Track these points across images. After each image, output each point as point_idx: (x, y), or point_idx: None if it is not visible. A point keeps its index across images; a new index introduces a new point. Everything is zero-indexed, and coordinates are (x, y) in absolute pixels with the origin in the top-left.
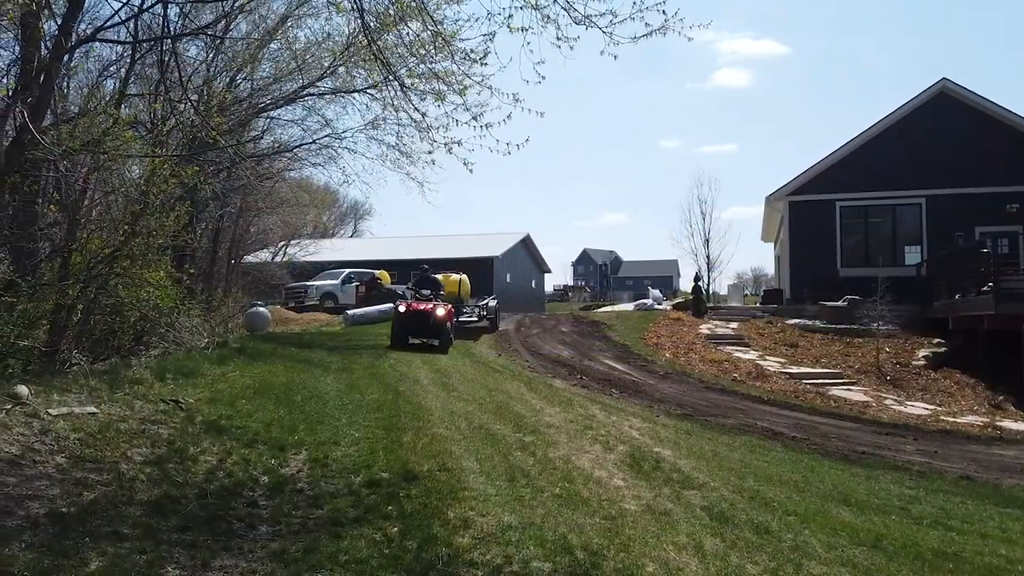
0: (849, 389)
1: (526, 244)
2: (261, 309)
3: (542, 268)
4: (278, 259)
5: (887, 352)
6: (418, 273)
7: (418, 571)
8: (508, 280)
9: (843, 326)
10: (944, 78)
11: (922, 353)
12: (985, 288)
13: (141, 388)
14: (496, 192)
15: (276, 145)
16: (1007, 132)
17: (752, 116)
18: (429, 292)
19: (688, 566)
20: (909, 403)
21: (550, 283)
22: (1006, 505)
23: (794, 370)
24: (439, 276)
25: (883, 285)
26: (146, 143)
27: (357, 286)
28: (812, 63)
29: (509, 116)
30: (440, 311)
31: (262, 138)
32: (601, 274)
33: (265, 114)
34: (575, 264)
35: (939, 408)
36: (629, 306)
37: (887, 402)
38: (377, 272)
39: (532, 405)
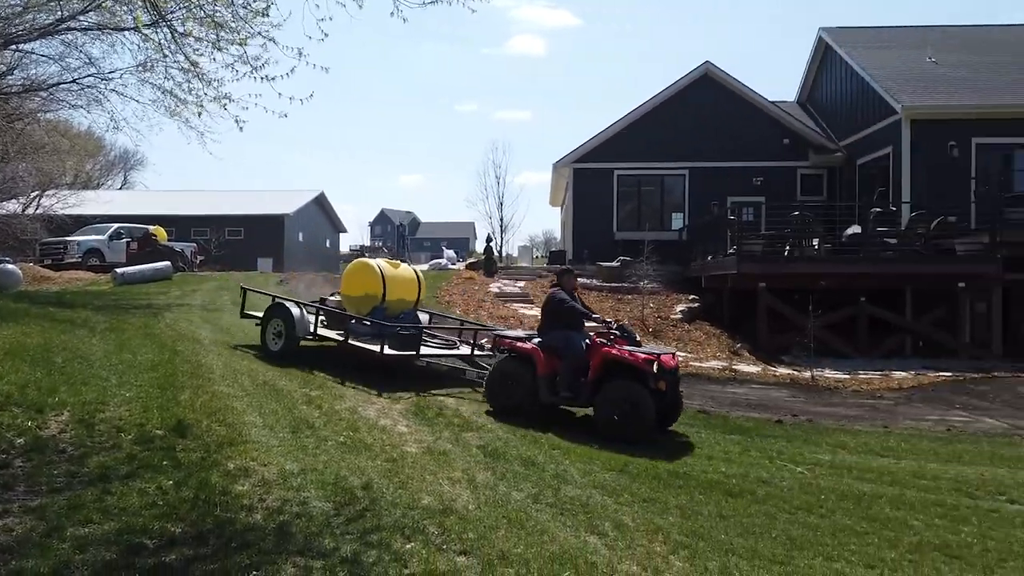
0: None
1: (320, 202)
2: (9, 266)
3: (338, 228)
4: (30, 211)
5: (651, 307)
6: None
7: (193, 518)
8: (300, 239)
9: (616, 284)
10: (707, 61)
11: (680, 308)
12: (731, 251)
13: None
14: (292, 151)
15: (28, 83)
16: (757, 114)
17: (546, 84)
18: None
19: (460, 497)
20: (484, 323)
21: (346, 243)
22: (731, 432)
23: None
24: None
25: (649, 247)
26: None
27: (128, 243)
28: (603, 36)
29: (293, 70)
30: None
31: (11, 74)
32: (399, 235)
33: (14, 47)
34: (373, 224)
35: (690, 355)
36: (425, 266)
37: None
38: (152, 228)
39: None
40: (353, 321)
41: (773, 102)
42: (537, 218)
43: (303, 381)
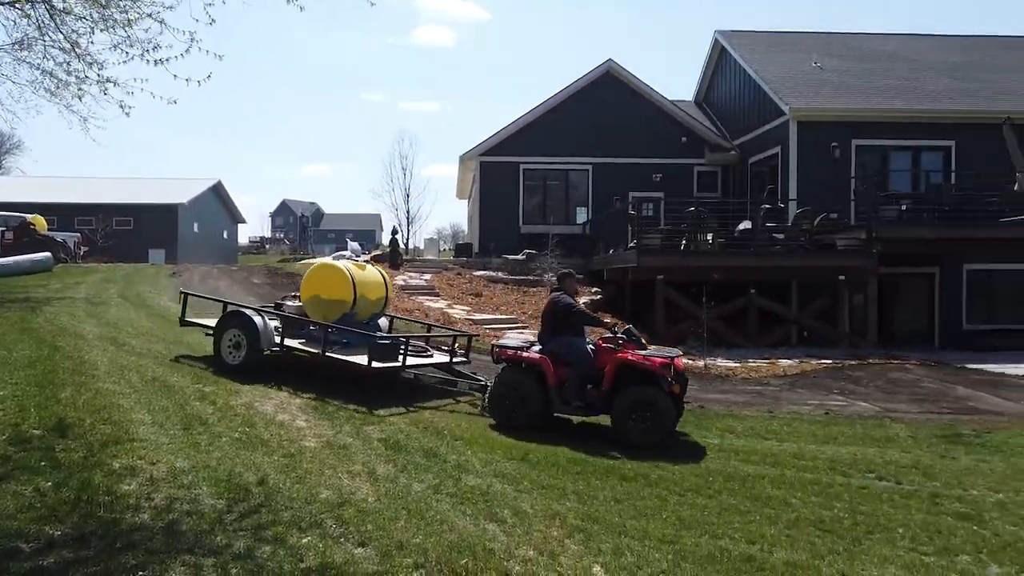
0: (521, 332)
1: (217, 192)
2: None
3: (236, 218)
4: None
5: None
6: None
7: (75, 520)
8: (196, 230)
9: (521, 277)
10: (610, 59)
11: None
12: (631, 245)
13: None
14: (188, 139)
15: None
16: (657, 112)
17: (456, 76)
18: None
19: (360, 489)
20: (460, 329)
21: (245, 234)
22: None
23: (477, 317)
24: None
25: (554, 241)
26: None
27: (3, 232)
28: (512, 30)
29: (187, 51)
30: None
31: None
32: (301, 226)
33: None
34: (274, 215)
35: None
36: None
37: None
38: (30, 216)
39: None
40: (312, 328)
41: (672, 101)
42: (445, 211)
43: (196, 377)
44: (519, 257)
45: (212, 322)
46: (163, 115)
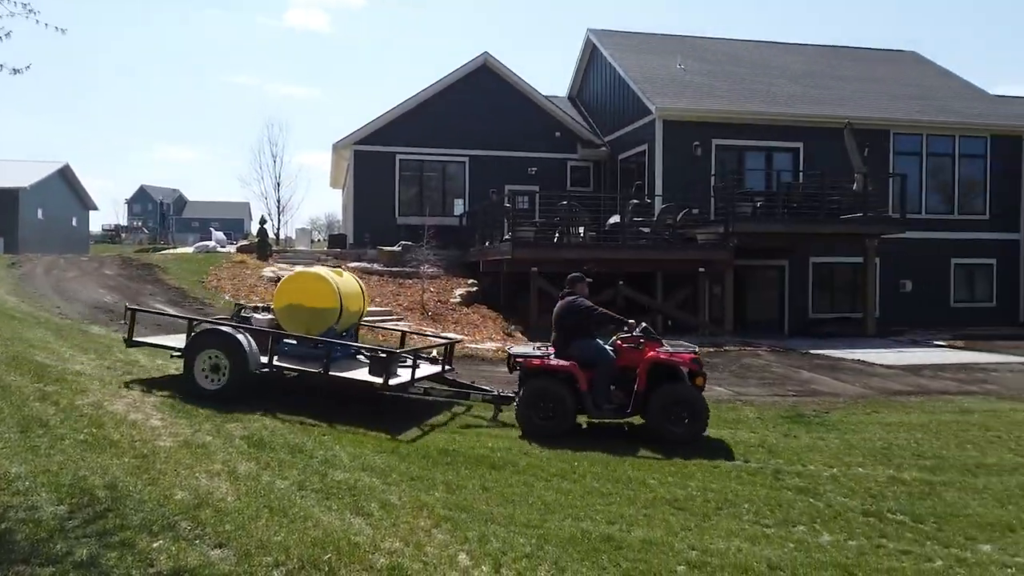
0: (396, 324)
1: (65, 176)
2: None
3: (87, 205)
4: None
5: (431, 291)
6: None
7: None
8: (40, 217)
9: (397, 269)
10: (486, 52)
11: (458, 292)
12: (506, 237)
13: None
14: (32, 120)
15: None
16: (532, 107)
17: (330, 62)
18: None
19: (219, 489)
20: (444, 334)
21: (97, 222)
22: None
23: None
24: None
25: (430, 232)
26: None
27: None
28: (387, 19)
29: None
30: None
31: None
32: (161, 213)
33: None
34: (130, 202)
35: (467, 337)
36: (190, 248)
37: (426, 333)
38: None
39: (60, 354)
40: (314, 345)
41: (547, 96)
42: (320, 200)
43: (37, 375)
44: (395, 248)
45: (172, 341)
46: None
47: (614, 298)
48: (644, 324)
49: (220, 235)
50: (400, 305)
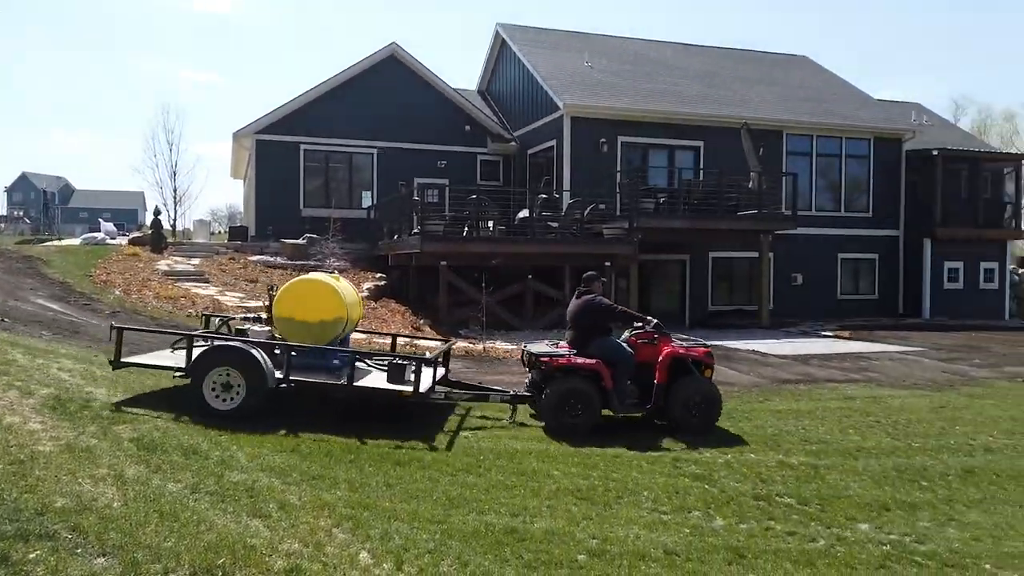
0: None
1: None
2: None
3: None
4: None
5: None
6: None
7: None
8: None
9: (302, 262)
10: (394, 43)
11: (366, 286)
12: (415, 231)
13: None
14: None
15: None
16: (442, 100)
17: (232, 48)
18: None
19: (104, 495)
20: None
21: None
22: (403, 404)
23: (252, 304)
24: None
25: (337, 225)
26: None
27: None
28: (296, 4)
29: None
30: None
31: None
32: (44, 202)
33: None
34: (10, 190)
35: (374, 332)
36: (77, 240)
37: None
38: None
39: None
40: (335, 358)
41: (456, 89)
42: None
43: None
44: (299, 241)
45: (165, 360)
46: None
47: (522, 292)
48: (656, 320)
49: (110, 226)
50: (654, 318)
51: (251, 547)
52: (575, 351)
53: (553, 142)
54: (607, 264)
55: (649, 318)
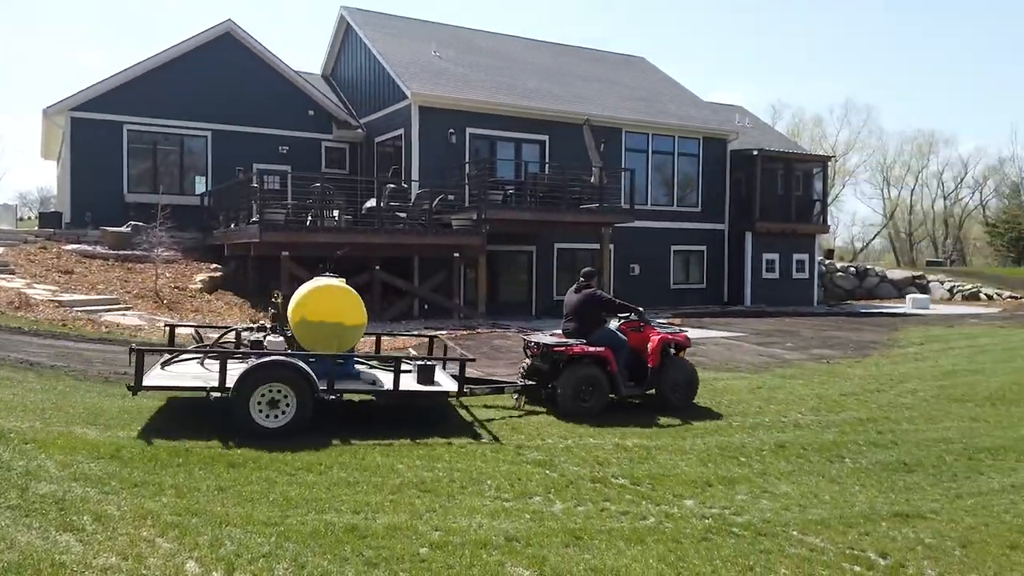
0: (124, 314)
1: None
2: None
3: None
4: None
5: (167, 277)
6: None
7: None
8: None
9: (126, 252)
10: (230, 20)
11: (199, 277)
12: (254, 219)
13: None
14: None
15: None
16: (283, 82)
17: (40, 7)
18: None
19: None
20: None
21: None
22: None
23: (66, 298)
24: None
25: (163, 212)
26: None
27: None
28: None
29: None
30: None
31: None
32: None
33: None
34: None
35: (211, 326)
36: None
37: (160, 324)
38: None
39: None
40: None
41: (299, 72)
42: (34, 172)
43: None
44: (123, 229)
45: (190, 380)
46: None
47: (370, 282)
48: (641, 310)
49: None
50: (129, 292)
51: (60, 564)
52: (578, 339)
53: (401, 131)
54: (456, 255)
55: (639, 308)
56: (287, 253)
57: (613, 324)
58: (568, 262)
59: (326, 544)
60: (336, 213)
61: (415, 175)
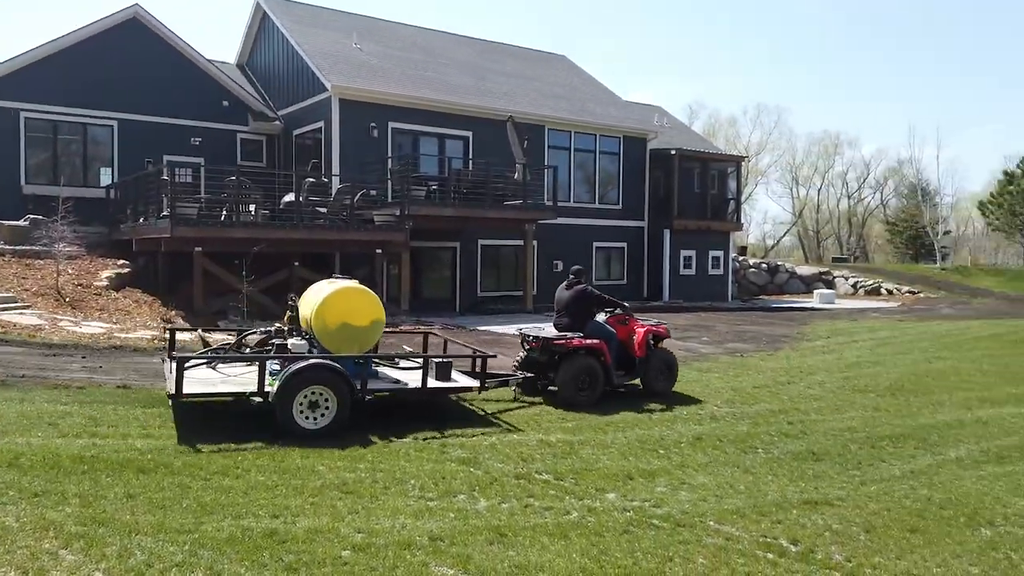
0: (22, 313)
1: None
2: None
3: None
4: None
5: (69, 274)
6: None
7: None
8: None
9: (24, 247)
10: (137, 4)
11: (105, 274)
12: (164, 213)
13: None
14: None
15: None
16: (195, 71)
17: None
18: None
19: None
20: (85, 323)
21: None
22: (154, 406)
23: None
24: None
25: (65, 205)
26: None
27: None
28: None
29: None
30: None
31: None
32: None
33: None
34: None
35: (115, 326)
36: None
37: (62, 324)
38: None
39: None
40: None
41: (212, 61)
42: None
43: None
44: (20, 223)
45: (231, 387)
46: None
47: (288, 279)
48: (625, 304)
49: None
50: (28, 290)
51: None
52: (575, 334)
53: (321, 124)
54: (378, 251)
55: (624, 303)
56: (200, 249)
57: (600, 317)
58: (492, 259)
59: (243, 550)
60: (253, 208)
61: (336, 169)
